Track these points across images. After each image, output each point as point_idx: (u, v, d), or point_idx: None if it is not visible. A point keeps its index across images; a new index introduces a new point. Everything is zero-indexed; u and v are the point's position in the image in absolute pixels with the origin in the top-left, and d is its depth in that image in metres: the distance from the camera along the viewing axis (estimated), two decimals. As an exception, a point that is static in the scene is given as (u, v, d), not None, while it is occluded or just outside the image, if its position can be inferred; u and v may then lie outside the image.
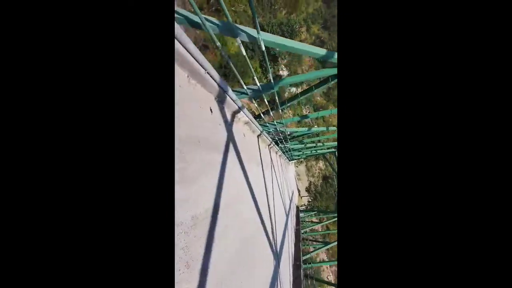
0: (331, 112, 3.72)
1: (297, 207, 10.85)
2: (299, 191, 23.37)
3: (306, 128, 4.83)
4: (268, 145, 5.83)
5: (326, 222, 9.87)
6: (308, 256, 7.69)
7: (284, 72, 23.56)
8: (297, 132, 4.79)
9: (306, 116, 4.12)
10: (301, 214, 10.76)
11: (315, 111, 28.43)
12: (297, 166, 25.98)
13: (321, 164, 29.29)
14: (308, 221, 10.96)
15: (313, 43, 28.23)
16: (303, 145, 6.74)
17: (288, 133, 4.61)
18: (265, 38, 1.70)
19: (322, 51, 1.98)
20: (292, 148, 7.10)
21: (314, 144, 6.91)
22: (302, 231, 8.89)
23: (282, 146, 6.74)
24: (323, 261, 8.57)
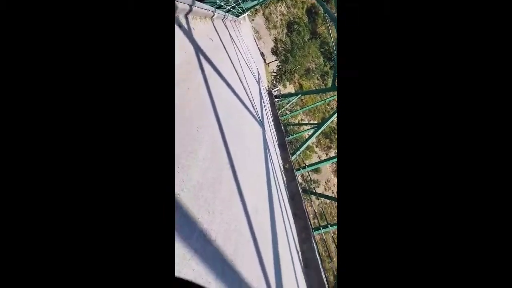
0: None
1: (270, 92, 11.91)
2: (263, 55, 23.48)
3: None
4: (222, 20, 5.70)
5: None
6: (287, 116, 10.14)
7: None
8: None
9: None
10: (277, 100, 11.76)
11: None
12: (252, 20, 23.90)
13: (283, 8, 26.84)
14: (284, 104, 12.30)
15: None
16: None
17: None
18: None
19: None
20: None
21: None
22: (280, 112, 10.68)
23: (232, 7, 6.42)
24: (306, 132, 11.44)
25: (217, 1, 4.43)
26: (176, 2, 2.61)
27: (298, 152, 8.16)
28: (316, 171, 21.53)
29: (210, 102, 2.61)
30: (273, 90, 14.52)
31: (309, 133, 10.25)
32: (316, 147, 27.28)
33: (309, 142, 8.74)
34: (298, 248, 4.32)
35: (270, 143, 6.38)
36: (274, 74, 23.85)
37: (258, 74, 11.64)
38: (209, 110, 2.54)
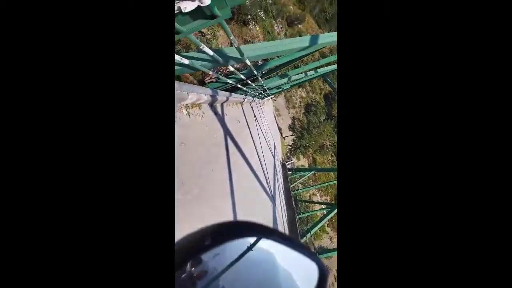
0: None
1: (284, 164, 12.46)
2: (280, 130, 25.42)
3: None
4: (250, 103, 6.59)
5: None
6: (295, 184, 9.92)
7: None
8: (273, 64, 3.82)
9: (286, 75, 4.76)
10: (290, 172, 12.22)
11: (288, 25, 26.79)
12: (275, 100, 27.13)
13: (303, 93, 30.66)
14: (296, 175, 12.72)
15: None
16: (286, 79, 6.60)
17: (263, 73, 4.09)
18: (250, 54, 2.30)
19: (305, 40, 2.62)
20: (269, 88, 7.57)
21: (302, 75, 6.78)
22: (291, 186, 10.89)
23: (259, 94, 7.43)
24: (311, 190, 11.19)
25: (248, 91, 5.22)
26: (216, 95, 3.12)
27: (308, 235, 7.55)
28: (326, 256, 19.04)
29: (229, 184, 2.71)
30: (287, 163, 14.84)
31: (322, 213, 9.69)
32: (327, 226, 25.20)
33: (321, 225, 8.17)
34: None
35: (279, 222, 6.06)
36: (289, 147, 24.96)
37: (274, 147, 12.27)
38: (227, 192, 2.61)
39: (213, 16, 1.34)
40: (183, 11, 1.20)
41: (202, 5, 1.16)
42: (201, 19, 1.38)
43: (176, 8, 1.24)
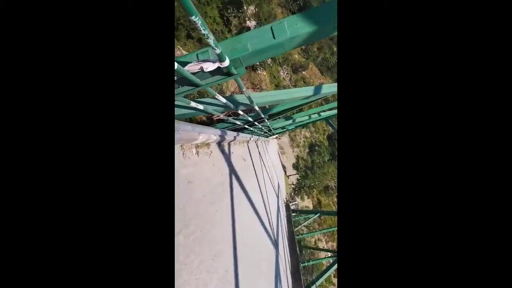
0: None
1: (287, 205, 12.19)
2: (284, 168, 25.38)
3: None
4: (255, 141, 6.80)
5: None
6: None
7: (251, 23, 22.64)
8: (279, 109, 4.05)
9: (291, 117, 5.03)
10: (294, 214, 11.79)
11: (293, 71, 29.17)
12: (279, 139, 27.72)
13: (307, 133, 31.46)
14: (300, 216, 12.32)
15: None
16: (291, 121, 6.84)
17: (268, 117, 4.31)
18: (258, 101, 2.51)
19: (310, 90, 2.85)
20: (274, 128, 7.83)
21: (307, 117, 6.96)
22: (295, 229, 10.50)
23: (264, 133, 7.70)
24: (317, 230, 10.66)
25: (255, 130, 5.44)
26: (224, 135, 3.28)
27: (313, 287, 6.87)
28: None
29: (231, 227, 2.65)
30: (291, 204, 14.36)
31: (328, 262, 8.94)
32: (334, 277, 22.91)
33: (326, 276, 7.48)
34: None
35: (282, 270, 5.62)
36: (293, 186, 24.46)
37: (278, 186, 12.07)
38: (229, 236, 2.53)
39: (229, 73, 1.54)
40: (204, 71, 1.40)
41: (221, 66, 1.36)
42: (219, 75, 1.58)
43: (198, 67, 1.45)
